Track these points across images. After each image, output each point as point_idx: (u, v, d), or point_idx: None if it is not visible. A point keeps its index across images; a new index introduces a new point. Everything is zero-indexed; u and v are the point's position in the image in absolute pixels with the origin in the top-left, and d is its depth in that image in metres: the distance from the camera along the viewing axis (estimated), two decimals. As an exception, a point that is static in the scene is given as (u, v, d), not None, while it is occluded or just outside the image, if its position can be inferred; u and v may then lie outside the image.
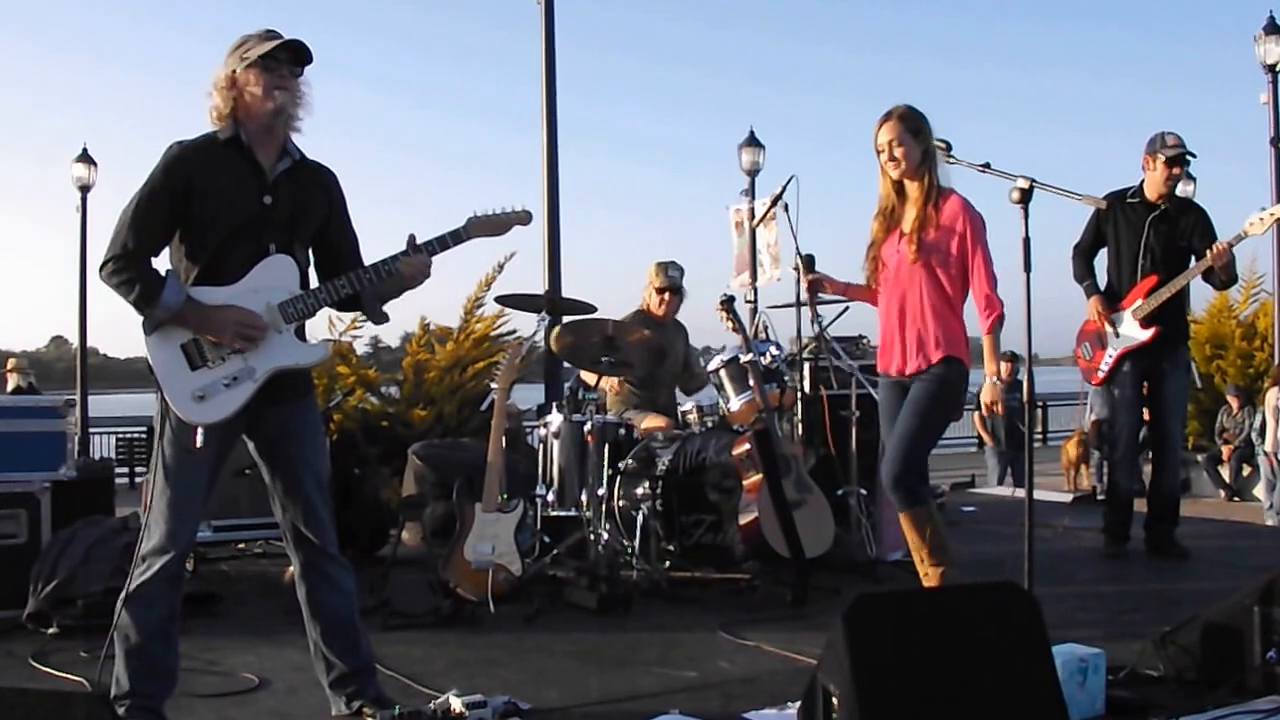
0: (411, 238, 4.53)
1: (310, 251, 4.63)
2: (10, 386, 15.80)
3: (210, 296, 4.34)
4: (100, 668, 4.44)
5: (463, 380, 11.50)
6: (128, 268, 4.27)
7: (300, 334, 4.52)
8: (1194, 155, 7.86)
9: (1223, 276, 7.87)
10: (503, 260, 11.88)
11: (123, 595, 4.38)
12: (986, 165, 5.08)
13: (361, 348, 12.28)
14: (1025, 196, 4.91)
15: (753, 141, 18.60)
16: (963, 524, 9.96)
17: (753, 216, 12.90)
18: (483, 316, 11.83)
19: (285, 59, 4.38)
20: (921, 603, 4.16)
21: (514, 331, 11.81)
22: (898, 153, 5.70)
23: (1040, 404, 19.02)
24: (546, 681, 5.20)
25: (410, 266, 4.50)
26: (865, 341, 8.84)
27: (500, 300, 8.38)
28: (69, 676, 5.26)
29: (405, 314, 12.15)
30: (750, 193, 16.47)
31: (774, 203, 7.77)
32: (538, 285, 11.23)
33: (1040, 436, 25.42)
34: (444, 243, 4.56)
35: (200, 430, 4.29)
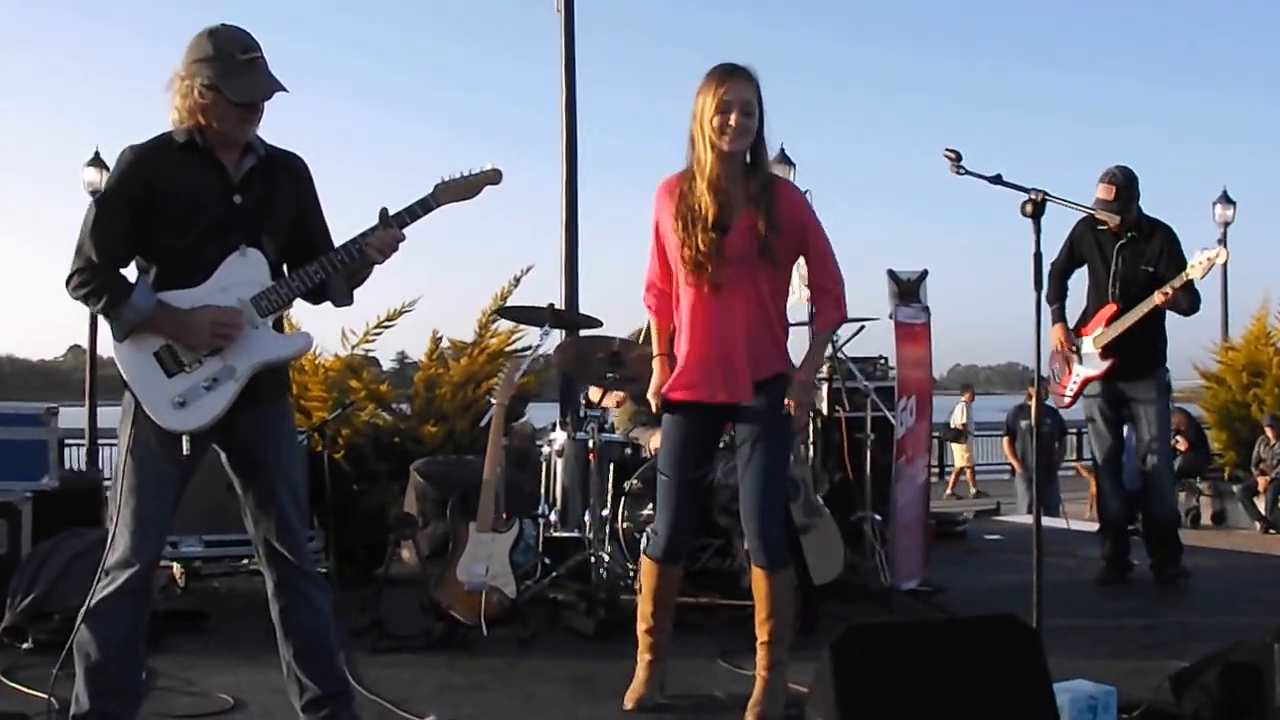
0: (383, 211, 4.32)
1: (282, 243, 4.42)
2: None
3: (181, 300, 4.15)
4: (52, 683, 4.29)
5: (476, 396, 11.28)
6: (94, 278, 4.10)
7: (278, 327, 4.34)
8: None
9: (1182, 307, 7.68)
10: (519, 274, 11.73)
11: (83, 610, 4.19)
12: (998, 178, 4.82)
13: (388, 363, 12.19)
14: (1038, 210, 4.67)
15: (784, 159, 18.27)
16: (983, 552, 9.70)
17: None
18: (497, 331, 11.61)
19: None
20: (915, 635, 3.94)
21: (529, 347, 11.62)
22: (749, 119, 4.77)
23: (1074, 431, 18.66)
24: (534, 709, 5.02)
25: (380, 240, 4.28)
26: (883, 362, 8.66)
27: (502, 313, 8.20)
28: (35, 694, 5.07)
29: (422, 329, 11.93)
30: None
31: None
32: (557, 300, 11.09)
33: (1075, 463, 25.10)
34: (414, 212, 4.36)
35: (185, 438, 4.12)
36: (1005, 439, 16.01)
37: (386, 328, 11.59)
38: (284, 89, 4.21)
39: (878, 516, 7.59)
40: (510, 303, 11.03)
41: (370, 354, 11.72)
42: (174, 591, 7.64)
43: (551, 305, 7.34)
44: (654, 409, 5.10)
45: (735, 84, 4.75)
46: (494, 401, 6.86)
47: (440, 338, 11.73)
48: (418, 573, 7.60)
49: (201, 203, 4.17)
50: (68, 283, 4.13)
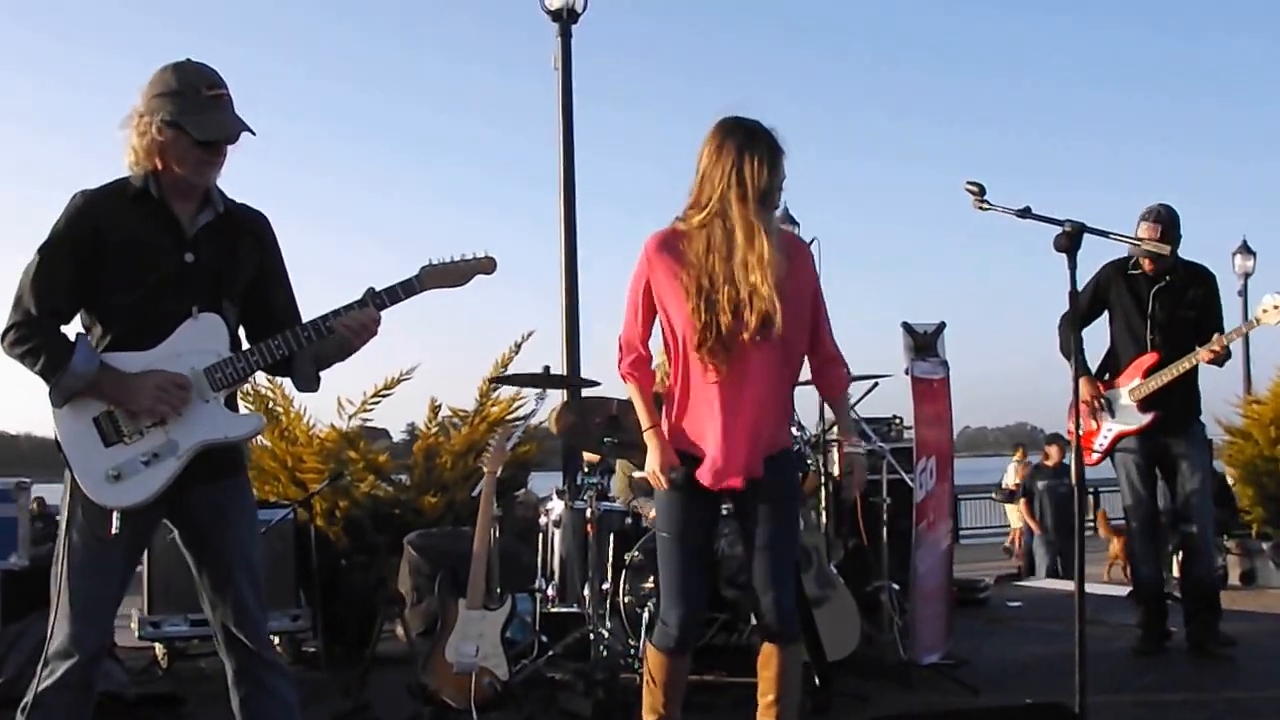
0: (369, 291, 3.97)
1: (240, 308, 4.07)
2: None
3: (127, 363, 3.80)
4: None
5: (477, 466, 10.82)
6: (31, 335, 3.76)
7: (231, 403, 3.97)
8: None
9: (1221, 357, 7.19)
10: (520, 339, 11.32)
11: (22, 704, 3.82)
12: (1026, 210, 4.40)
13: (398, 434, 11.80)
14: (1073, 243, 4.22)
15: (787, 219, 17.99)
16: (1008, 621, 9.14)
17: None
18: (498, 399, 11.20)
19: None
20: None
21: (533, 413, 11.26)
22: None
23: (1091, 490, 18.20)
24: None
25: (353, 321, 3.92)
26: (898, 422, 8.26)
27: (499, 380, 7.84)
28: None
29: (421, 398, 11.56)
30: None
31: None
32: (558, 366, 10.76)
33: (1092, 525, 24.63)
34: (394, 294, 3.99)
35: (115, 515, 3.74)
36: (1022, 501, 15.54)
37: (384, 396, 11.17)
38: (250, 130, 3.90)
39: (896, 585, 7.21)
40: (512, 369, 10.68)
41: (369, 423, 11.31)
42: (155, 674, 7.26)
43: (547, 369, 6.98)
44: (664, 485, 4.57)
45: (783, 163, 4.48)
46: (485, 471, 6.41)
47: (439, 406, 11.33)
48: (409, 651, 7.21)
49: (150, 258, 3.83)
50: (3, 338, 3.78)
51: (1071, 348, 6.36)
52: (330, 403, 11.04)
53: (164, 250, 3.85)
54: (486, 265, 4.12)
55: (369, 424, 11.35)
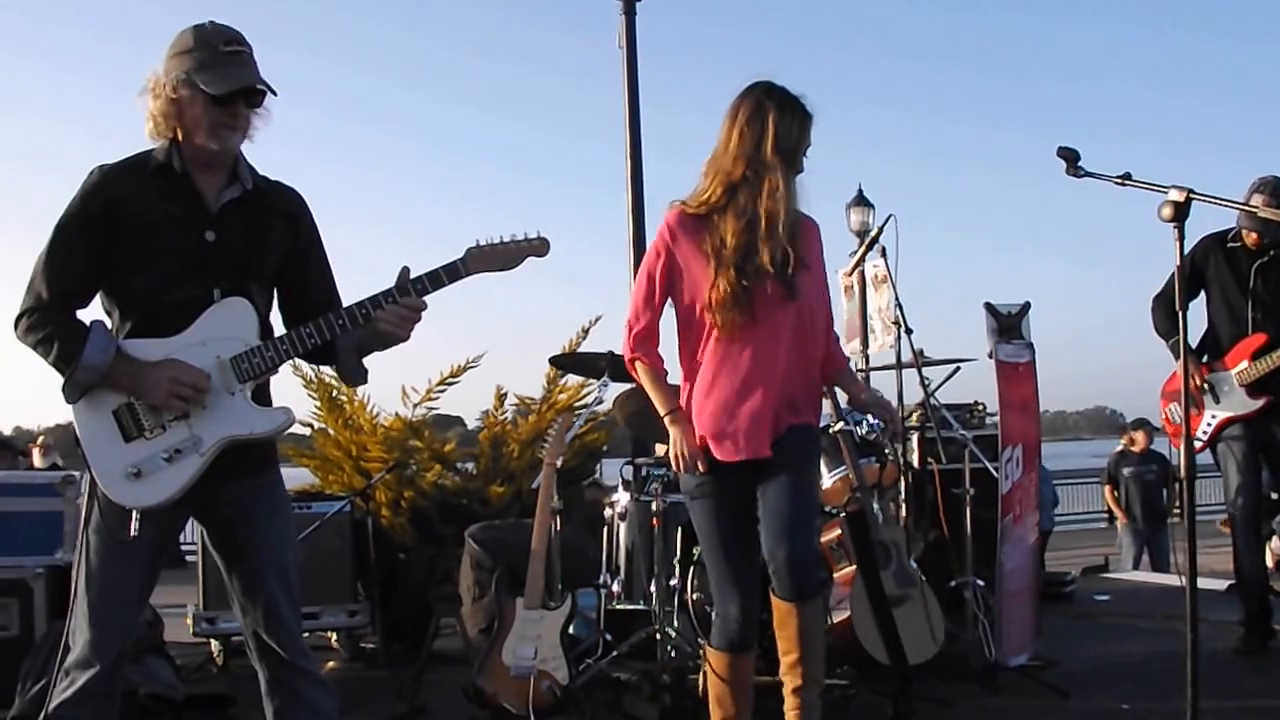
0: (404, 271, 3.67)
1: (273, 292, 3.80)
2: (39, 466, 14.95)
3: (147, 350, 3.54)
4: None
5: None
6: (45, 321, 3.51)
7: (262, 395, 3.68)
8: None
9: None
10: (587, 324, 11.04)
11: (41, 716, 3.60)
12: (1126, 177, 4.01)
13: (472, 421, 11.61)
14: (1180, 212, 3.84)
15: (861, 201, 17.62)
16: (1097, 617, 8.69)
17: (862, 281, 12.00)
18: (566, 386, 10.92)
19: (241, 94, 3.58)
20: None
21: (599, 400, 10.96)
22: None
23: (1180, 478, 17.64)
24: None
25: (394, 315, 3.63)
26: (981, 408, 7.90)
27: (557, 363, 7.54)
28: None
29: (488, 385, 11.27)
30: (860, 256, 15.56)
31: (870, 244, 6.93)
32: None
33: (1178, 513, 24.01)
34: (437, 279, 3.68)
35: (135, 516, 3.48)
36: (1107, 487, 15.03)
37: (451, 384, 10.94)
38: (271, 89, 3.60)
39: (980, 582, 6.88)
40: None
41: (434, 411, 11.08)
42: (209, 671, 7.01)
43: (611, 353, 6.66)
44: (690, 468, 4.42)
45: (809, 129, 4.41)
46: (545, 462, 6.11)
47: (505, 393, 11.07)
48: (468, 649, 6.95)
49: (168, 236, 3.56)
50: (16, 325, 3.54)
51: (1167, 328, 5.92)
52: (396, 391, 10.86)
53: (183, 228, 3.58)
54: (538, 247, 3.80)
55: (436, 411, 11.17)
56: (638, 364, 4.59)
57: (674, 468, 4.52)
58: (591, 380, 9.64)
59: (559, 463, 6.14)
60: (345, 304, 3.70)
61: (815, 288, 4.45)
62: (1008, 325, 6.71)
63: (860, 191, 17.73)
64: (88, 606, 3.55)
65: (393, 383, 10.86)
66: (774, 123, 4.30)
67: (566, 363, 7.83)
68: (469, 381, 10.97)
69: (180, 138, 3.60)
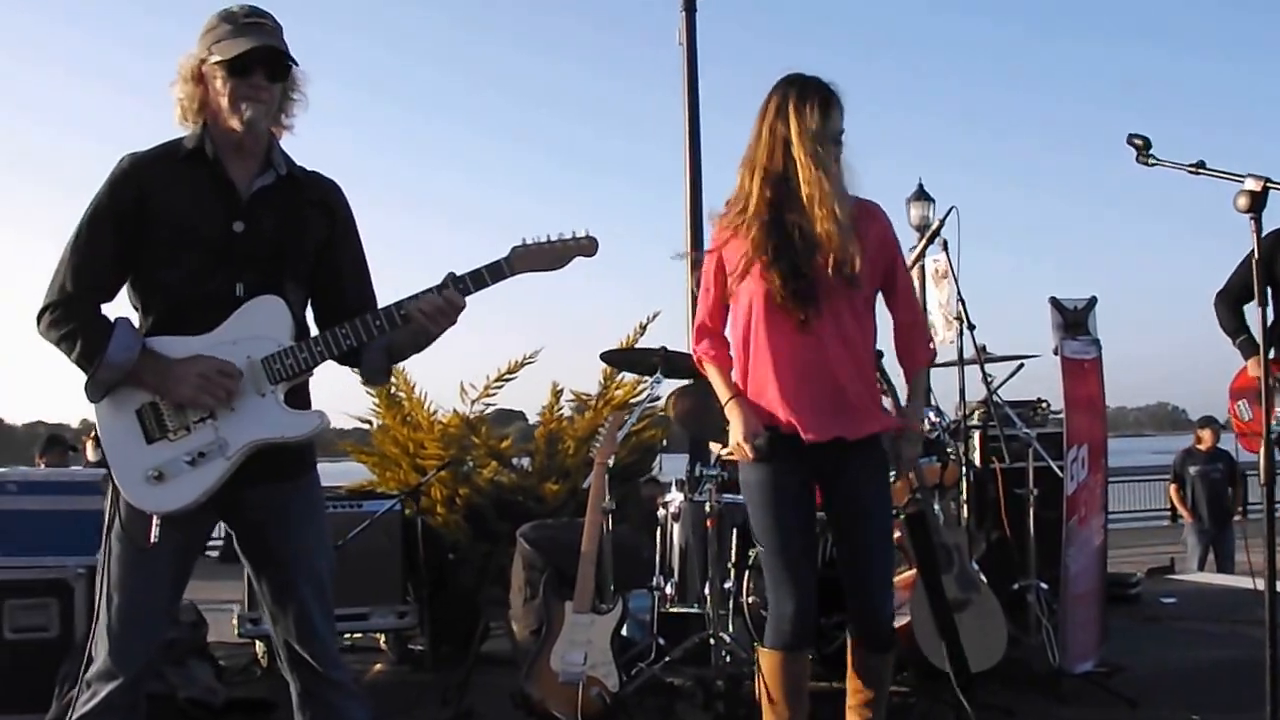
0: (450, 275, 3.51)
1: (308, 290, 3.65)
2: (91, 460, 14.86)
3: (175, 348, 3.40)
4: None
5: (599, 453, 10.48)
6: (68, 316, 3.37)
7: (295, 398, 3.53)
8: None
9: None
10: (645, 320, 10.92)
11: None
12: (1200, 165, 3.82)
13: (533, 417, 11.55)
14: (1257, 202, 3.64)
15: (921, 195, 17.40)
16: (1164, 620, 8.47)
17: (923, 275, 11.82)
18: (622, 382, 10.81)
19: (259, 62, 3.44)
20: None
21: (659, 398, 10.83)
22: (841, 151, 4.33)
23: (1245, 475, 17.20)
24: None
25: (432, 305, 3.46)
26: (1044, 406, 7.69)
27: (607, 359, 7.40)
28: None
29: (545, 381, 11.16)
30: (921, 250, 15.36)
31: (932, 236, 6.76)
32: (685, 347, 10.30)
33: (1240, 512, 23.60)
34: (480, 279, 3.51)
35: (156, 521, 3.34)
36: (1172, 485, 14.74)
37: (508, 380, 10.88)
38: (290, 59, 3.47)
39: (1044, 585, 6.68)
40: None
41: (493, 406, 11.00)
42: (253, 674, 6.91)
43: (664, 349, 6.51)
44: (750, 455, 4.34)
45: (837, 114, 4.33)
46: (595, 461, 5.97)
47: (561, 390, 10.98)
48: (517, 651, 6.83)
49: (194, 227, 3.42)
50: (38, 320, 3.41)
51: (1233, 326, 5.72)
52: (454, 387, 10.80)
53: (211, 217, 3.44)
54: (586, 247, 3.63)
55: (497, 406, 11.09)
56: (705, 361, 4.60)
57: (735, 454, 4.48)
58: (647, 376, 9.54)
59: (611, 461, 5.99)
60: (381, 304, 3.56)
61: (875, 271, 4.39)
62: (1073, 321, 6.48)
63: (920, 186, 17.53)
64: (109, 616, 3.43)
65: (451, 379, 10.83)
66: (797, 112, 4.27)
67: (618, 359, 7.67)
68: (532, 377, 10.92)
69: (210, 122, 3.48)
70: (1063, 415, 6.77)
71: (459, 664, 6.61)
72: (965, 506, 7.21)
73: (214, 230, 3.43)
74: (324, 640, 3.59)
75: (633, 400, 10.54)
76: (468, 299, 3.51)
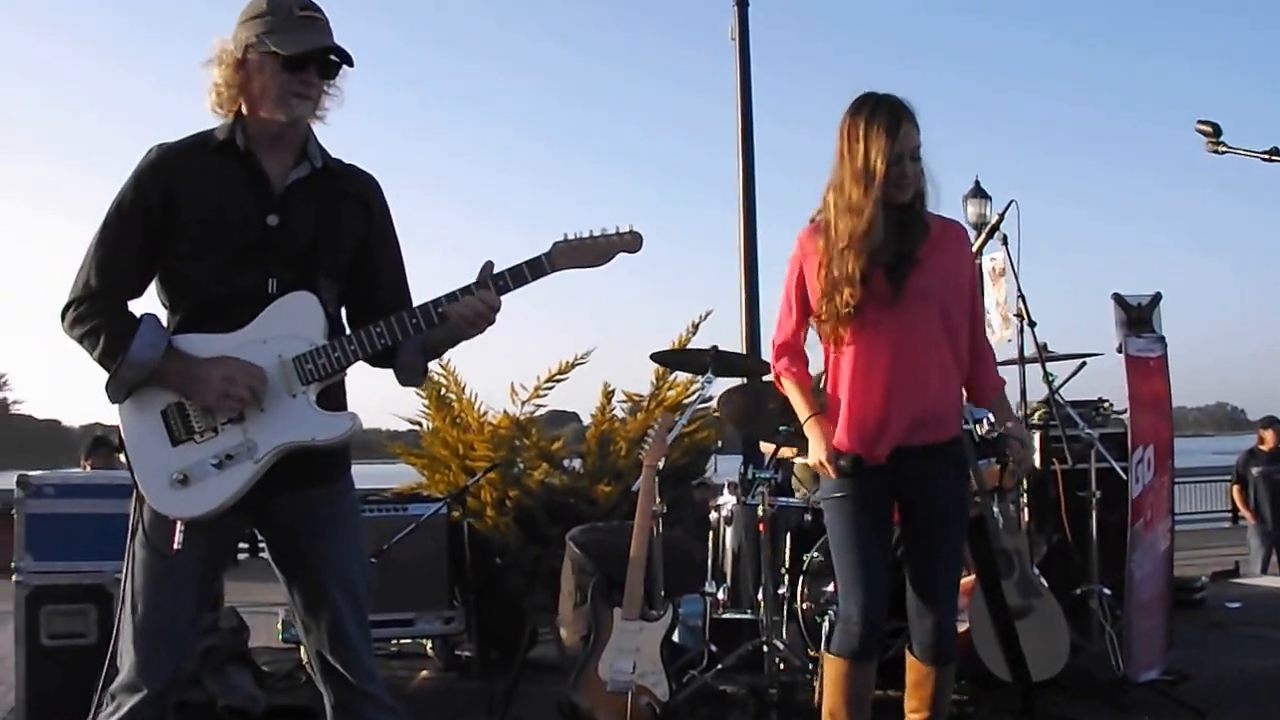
0: (487, 266, 3.36)
1: (343, 287, 3.52)
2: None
3: (204, 346, 3.27)
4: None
5: (652, 455, 10.35)
6: (92, 312, 3.25)
7: (327, 399, 3.39)
8: None
9: None
10: (698, 319, 10.79)
11: None
12: (1274, 151, 3.64)
13: (587, 417, 11.44)
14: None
15: (979, 193, 17.16)
16: (1229, 626, 8.19)
17: (980, 274, 11.65)
18: (675, 382, 10.68)
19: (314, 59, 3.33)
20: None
21: (711, 399, 10.71)
22: (918, 164, 4.26)
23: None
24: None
25: (469, 308, 3.32)
26: (1107, 406, 7.51)
27: (658, 359, 7.27)
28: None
29: (597, 382, 11.05)
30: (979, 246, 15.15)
31: (991, 231, 6.60)
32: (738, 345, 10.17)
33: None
34: (520, 275, 3.37)
35: (180, 526, 3.21)
36: (1235, 487, 14.49)
37: (559, 381, 10.77)
38: (347, 59, 3.36)
39: (1107, 590, 6.49)
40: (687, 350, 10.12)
41: (544, 407, 10.90)
42: (297, 680, 6.79)
43: (715, 348, 6.37)
44: (833, 475, 4.30)
45: (906, 131, 4.21)
46: (644, 464, 5.84)
47: (613, 390, 10.86)
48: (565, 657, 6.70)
49: (226, 220, 3.29)
50: (62, 316, 3.29)
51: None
52: (504, 388, 10.72)
53: (244, 211, 3.31)
54: (630, 243, 3.47)
55: (550, 408, 11.00)
56: (783, 377, 4.56)
57: (817, 471, 4.44)
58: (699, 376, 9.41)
59: (661, 463, 5.87)
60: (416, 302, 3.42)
61: (949, 290, 4.34)
62: (1138, 318, 6.33)
63: (977, 183, 17.31)
64: (133, 626, 3.31)
65: (501, 380, 10.75)
66: (867, 133, 4.22)
67: (668, 359, 7.53)
68: (586, 378, 10.82)
69: (246, 111, 3.36)
70: (1125, 415, 6.62)
71: (506, 671, 6.48)
72: (1025, 510, 7.05)
73: (247, 224, 3.30)
74: (357, 650, 3.46)
75: (686, 400, 10.41)
76: (512, 294, 3.38)
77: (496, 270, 3.36)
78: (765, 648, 5.81)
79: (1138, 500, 6.15)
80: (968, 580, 5.70)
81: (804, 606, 6.06)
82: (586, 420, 11.22)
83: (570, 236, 3.41)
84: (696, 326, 10.75)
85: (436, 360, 3.76)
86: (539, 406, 10.79)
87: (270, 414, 3.27)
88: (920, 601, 4.39)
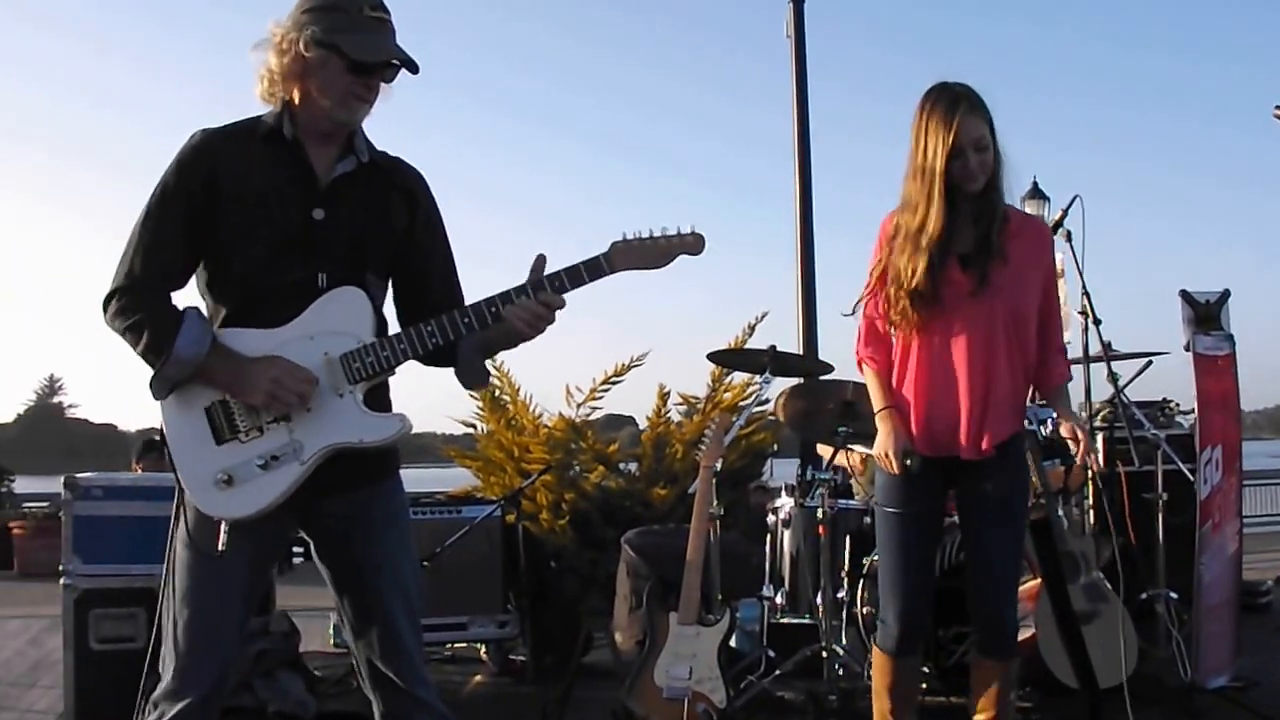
0: (539, 260, 3.27)
1: (388, 283, 3.44)
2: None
3: (250, 342, 3.20)
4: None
5: (707, 458, 10.27)
6: (135, 305, 3.17)
7: (375, 399, 3.32)
8: None
9: None
10: (754, 321, 10.70)
11: None
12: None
13: (644, 421, 11.36)
14: None
15: (1036, 194, 16.95)
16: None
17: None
18: (731, 384, 10.59)
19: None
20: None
21: (768, 400, 10.62)
22: (986, 154, 4.19)
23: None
24: None
25: (528, 311, 3.22)
26: (1173, 407, 7.37)
27: (715, 358, 7.18)
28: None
29: (652, 384, 10.99)
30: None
31: (1055, 228, 6.47)
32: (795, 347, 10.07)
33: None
34: (577, 276, 3.26)
35: (224, 527, 3.14)
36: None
37: (615, 383, 10.72)
38: (413, 66, 3.27)
39: (1174, 594, 6.36)
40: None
41: (599, 410, 10.85)
42: (349, 686, 6.71)
43: (773, 347, 6.28)
44: (895, 469, 4.28)
45: (967, 121, 4.15)
46: (701, 465, 5.74)
47: (668, 392, 10.77)
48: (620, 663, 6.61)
49: (270, 212, 3.22)
50: (104, 307, 3.21)
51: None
52: (559, 390, 10.66)
53: (289, 203, 3.23)
54: (692, 244, 3.35)
55: (607, 411, 10.95)
56: (866, 365, 4.54)
57: (879, 464, 4.41)
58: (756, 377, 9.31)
59: (718, 465, 5.77)
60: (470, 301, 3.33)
61: (1020, 286, 4.30)
62: (1205, 315, 6.19)
63: (1035, 184, 17.10)
64: (176, 632, 3.24)
65: (556, 382, 10.69)
66: (926, 128, 4.21)
67: (725, 359, 7.44)
68: (641, 380, 10.76)
69: (297, 101, 3.28)
70: (1192, 415, 6.49)
71: (561, 676, 6.42)
72: (1090, 512, 6.93)
73: (291, 217, 3.23)
74: (411, 654, 3.38)
75: (742, 402, 10.32)
76: (568, 294, 3.29)
77: (551, 270, 3.27)
78: (824, 653, 5.73)
79: (1206, 502, 6.02)
80: (1033, 584, 5.60)
81: (864, 611, 5.97)
82: (642, 424, 11.16)
83: (629, 236, 3.30)
84: (753, 328, 10.68)
85: (490, 361, 3.67)
86: (594, 409, 10.74)
87: (317, 414, 3.19)
88: (978, 594, 4.39)
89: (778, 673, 5.77)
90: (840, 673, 5.68)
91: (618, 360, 10.75)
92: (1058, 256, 7.87)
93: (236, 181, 3.20)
